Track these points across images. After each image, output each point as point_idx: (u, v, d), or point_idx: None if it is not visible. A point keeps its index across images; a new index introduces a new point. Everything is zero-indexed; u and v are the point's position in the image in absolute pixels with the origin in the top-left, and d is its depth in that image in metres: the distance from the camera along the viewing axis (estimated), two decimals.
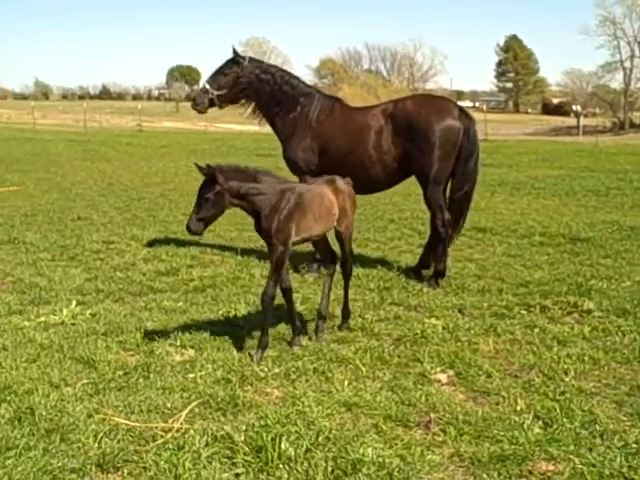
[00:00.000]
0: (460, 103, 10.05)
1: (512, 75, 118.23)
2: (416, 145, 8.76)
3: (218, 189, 5.82)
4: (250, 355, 6.10)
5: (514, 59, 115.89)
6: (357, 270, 9.14)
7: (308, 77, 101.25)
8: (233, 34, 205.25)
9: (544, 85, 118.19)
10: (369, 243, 11.26)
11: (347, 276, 7.11)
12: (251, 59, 9.62)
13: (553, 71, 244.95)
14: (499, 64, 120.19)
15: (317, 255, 9.41)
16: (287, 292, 6.57)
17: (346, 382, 5.59)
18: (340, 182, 6.74)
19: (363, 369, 5.88)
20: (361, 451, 4.43)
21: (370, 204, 15.34)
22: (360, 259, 9.77)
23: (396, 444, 4.60)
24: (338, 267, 7.05)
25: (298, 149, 9.34)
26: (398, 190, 18.01)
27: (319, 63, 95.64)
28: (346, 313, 7.09)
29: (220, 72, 9.49)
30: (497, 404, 5.26)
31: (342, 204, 6.62)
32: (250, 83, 9.37)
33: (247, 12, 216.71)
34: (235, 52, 9.41)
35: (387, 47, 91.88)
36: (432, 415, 5.01)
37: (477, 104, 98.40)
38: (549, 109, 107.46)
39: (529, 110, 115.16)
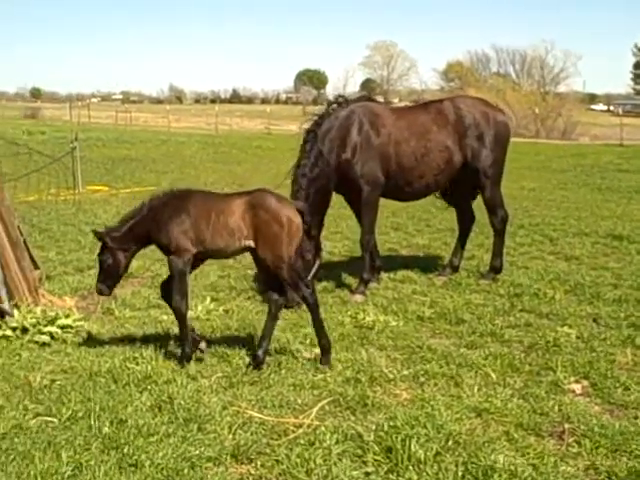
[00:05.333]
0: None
1: None
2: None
3: (111, 251, 6.03)
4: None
5: None
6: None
7: (434, 80, 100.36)
8: (360, 38, 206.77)
9: None
10: None
11: (309, 307, 6.05)
12: None
13: None
14: (636, 66, 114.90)
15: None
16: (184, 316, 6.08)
17: (476, 387, 5.54)
18: (264, 197, 5.90)
19: (493, 375, 5.80)
20: (492, 458, 4.37)
21: None
22: (489, 265, 9.61)
23: (528, 453, 4.52)
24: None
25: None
26: (529, 195, 17.65)
27: (446, 66, 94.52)
28: (325, 345, 6.08)
29: None
30: (635, 418, 5.07)
31: (256, 222, 5.79)
32: None
33: (375, 15, 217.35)
34: None
35: (516, 49, 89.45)
36: (566, 425, 4.88)
37: (612, 108, 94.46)
38: None
39: None
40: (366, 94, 10.06)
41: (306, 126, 8.60)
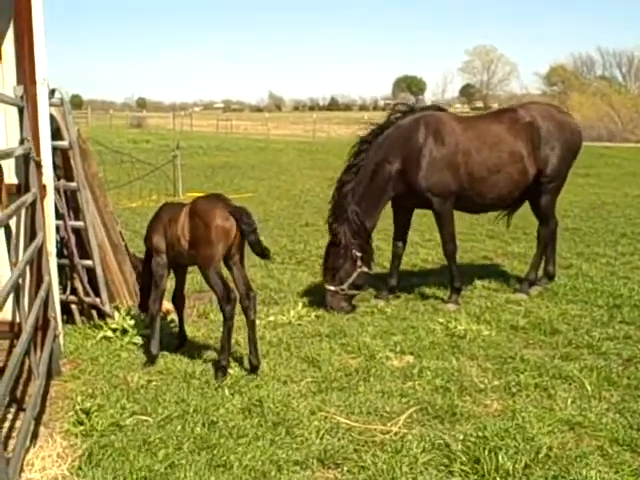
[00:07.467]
0: None
1: None
2: None
3: None
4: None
5: None
6: (585, 285, 8.78)
7: (535, 84, 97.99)
8: (459, 43, 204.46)
9: None
10: (598, 257, 10.70)
11: (223, 319, 5.97)
12: None
13: None
14: None
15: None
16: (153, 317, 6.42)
17: (569, 400, 5.39)
18: (199, 203, 6.07)
19: (588, 388, 5.63)
20: (584, 473, 4.26)
21: (600, 217, 14.65)
22: (588, 274, 9.35)
23: (623, 469, 4.37)
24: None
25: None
26: (633, 202, 17.04)
27: (549, 70, 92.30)
28: (223, 363, 5.97)
29: None
30: None
31: (191, 226, 5.98)
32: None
33: (473, 19, 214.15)
34: None
35: (623, 51, 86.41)
36: None
37: None
38: None
39: None
40: (435, 104, 9.60)
41: (361, 134, 8.36)
